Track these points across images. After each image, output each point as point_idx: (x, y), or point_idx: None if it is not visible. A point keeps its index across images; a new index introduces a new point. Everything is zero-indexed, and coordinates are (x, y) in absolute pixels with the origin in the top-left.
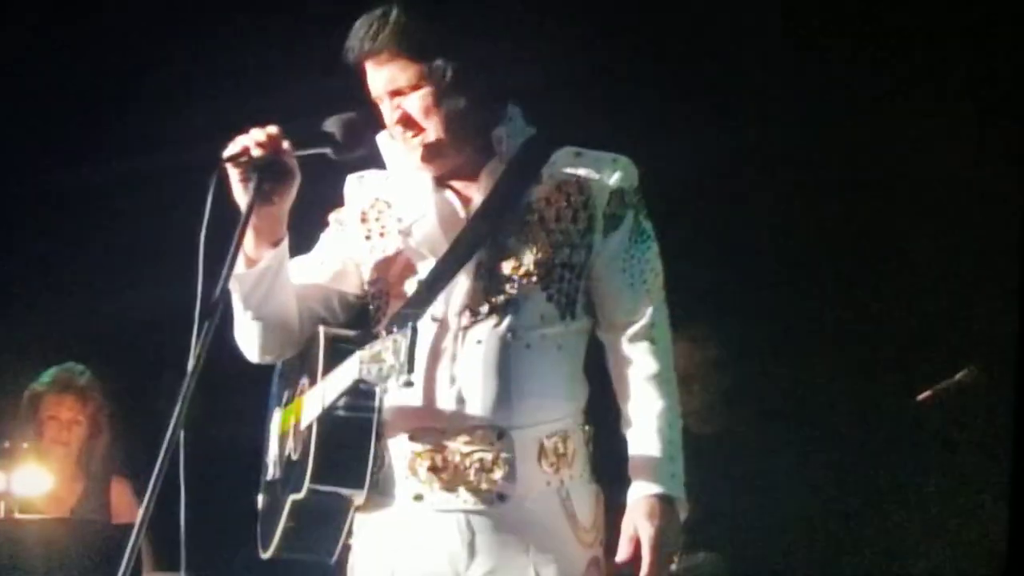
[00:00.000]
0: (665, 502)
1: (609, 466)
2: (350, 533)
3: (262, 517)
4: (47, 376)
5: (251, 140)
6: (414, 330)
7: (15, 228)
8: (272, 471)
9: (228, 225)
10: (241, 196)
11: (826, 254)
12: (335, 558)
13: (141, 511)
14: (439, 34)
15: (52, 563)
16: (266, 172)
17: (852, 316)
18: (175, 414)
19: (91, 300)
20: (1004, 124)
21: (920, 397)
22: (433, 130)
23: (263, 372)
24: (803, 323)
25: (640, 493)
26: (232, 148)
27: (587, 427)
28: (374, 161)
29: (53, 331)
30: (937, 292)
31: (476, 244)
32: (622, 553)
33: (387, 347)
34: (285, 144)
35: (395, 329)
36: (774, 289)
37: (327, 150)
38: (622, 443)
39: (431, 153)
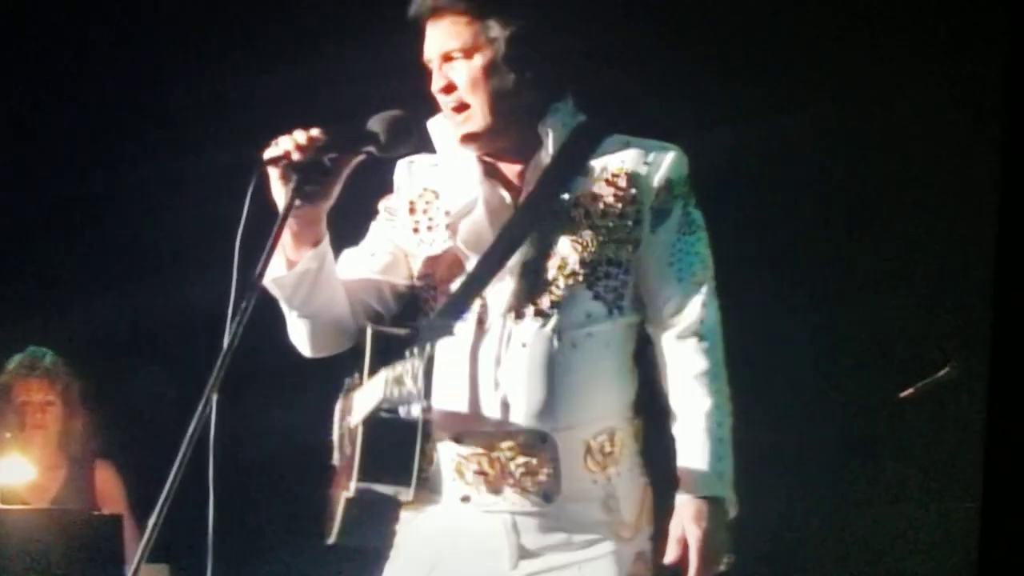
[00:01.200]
0: (713, 503)
1: (660, 455)
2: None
3: (329, 500)
4: (12, 362)
5: (292, 142)
6: (431, 356)
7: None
8: (337, 457)
9: (265, 226)
10: (280, 196)
11: (829, 249)
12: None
13: (155, 513)
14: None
15: (33, 554)
16: (306, 173)
17: (840, 312)
18: (196, 415)
19: (80, 293)
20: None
21: (903, 394)
22: (478, 109)
23: (289, 364)
24: (792, 318)
25: (688, 494)
26: (274, 150)
27: (636, 420)
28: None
29: (17, 321)
30: (915, 288)
31: (519, 241)
32: (670, 555)
33: (407, 370)
34: (324, 146)
35: (427, 343)
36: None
37: (371, 149)
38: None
39: (471, 125)
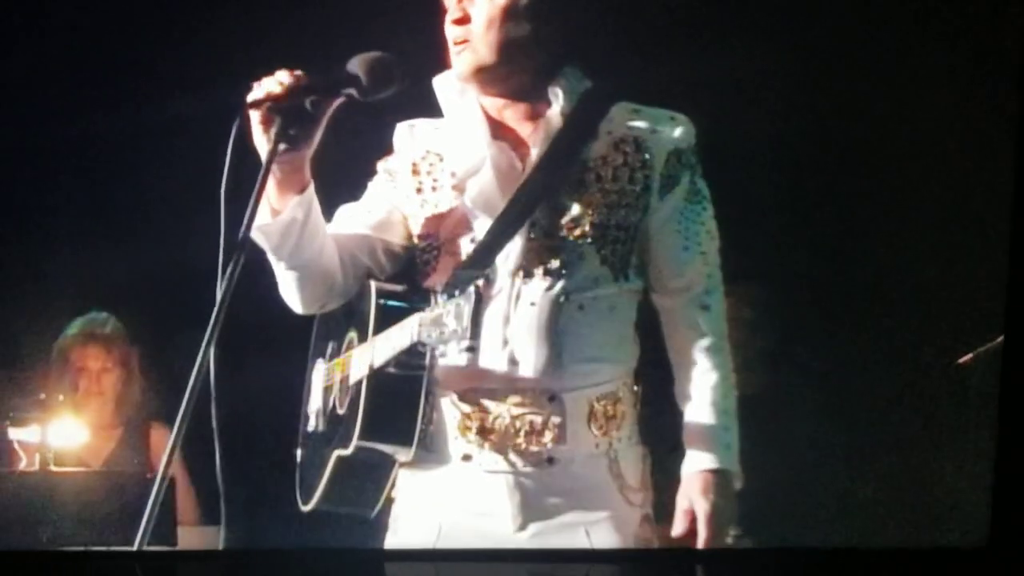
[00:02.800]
0: (719, 475)
1: (658, 427)
2: (392, 488)
3: (302, 468)
4: (72, 328)
5: (275, 83)
6: (478, 295)
7: (36, 182)
8: (314, 423)
9: (253, 173)
10: (262, 141)
11: (869, 217)
12: (376, 512)
13: (163, 463)
14: None
15: (85, 516)
16: (288, 116)
17: (895, 280)
18: (196, 366)
19: (118, 251)
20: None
21: (961, 360)
22: (486, 45)
23: (293, 323)
24: (844, 285)
25: (694, 467)
26: (256, 92)
27: (636, 388)
28: (426, 105)
29: (80, 283)
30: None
31: (533, 203)
32: (678, 527)
33: (448, 311)
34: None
35: (456, 292)
36: (814, 251)
37: (352, 91)
38: (670, 403)
39: (475, 61)
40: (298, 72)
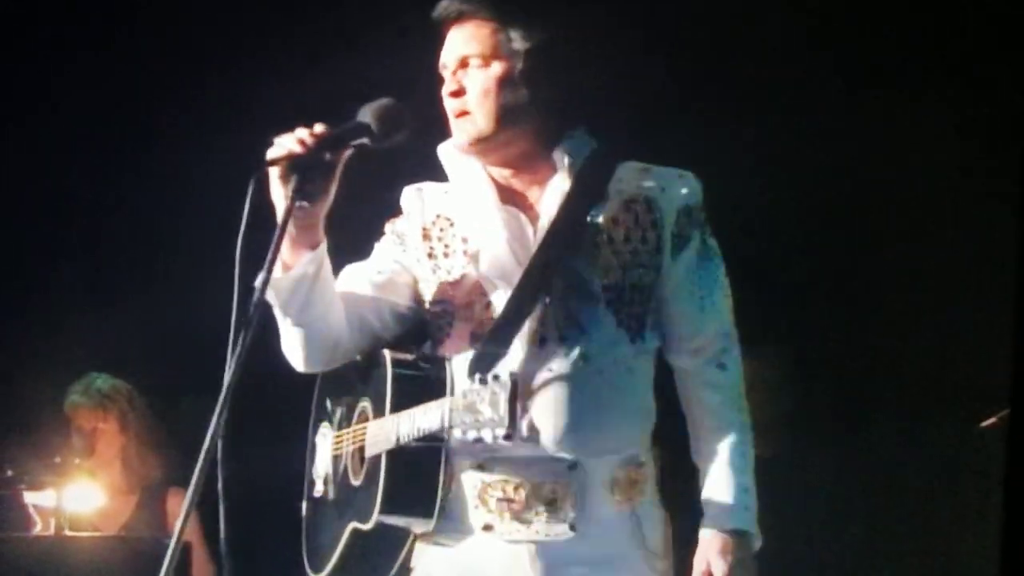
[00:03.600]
0: (738, 536)
1: (676, 486)
2: (408, 558)
3: (309, 532)
4: (72, 388)
5: (294, 139)
6: (515, 383)
7: (51, 242)
8: (322, 489)
9: (263, 231)
10: (279, 196)
11: (890, 280)
12: None
13: (177, 525)
14: (528, 8)
15: None
16: (307, 172)
17: (911, 343)
18: (212, 425)
19: (134, 313)
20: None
21: (984, 424)
22: (483, 115)
23: (297, 381)
24: (863, 347)
25: (713, 528)
26: (276, 150)
27: (656, 450)
28: (432, 168)
29: (91, 346)
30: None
31: (549, 271)
32: None
33: (483, 398)
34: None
35: (483, 373)
36: (835, 311)
37: (364, 140)
38: (689, 463)
39: (473, 130)
40: (317, 127)
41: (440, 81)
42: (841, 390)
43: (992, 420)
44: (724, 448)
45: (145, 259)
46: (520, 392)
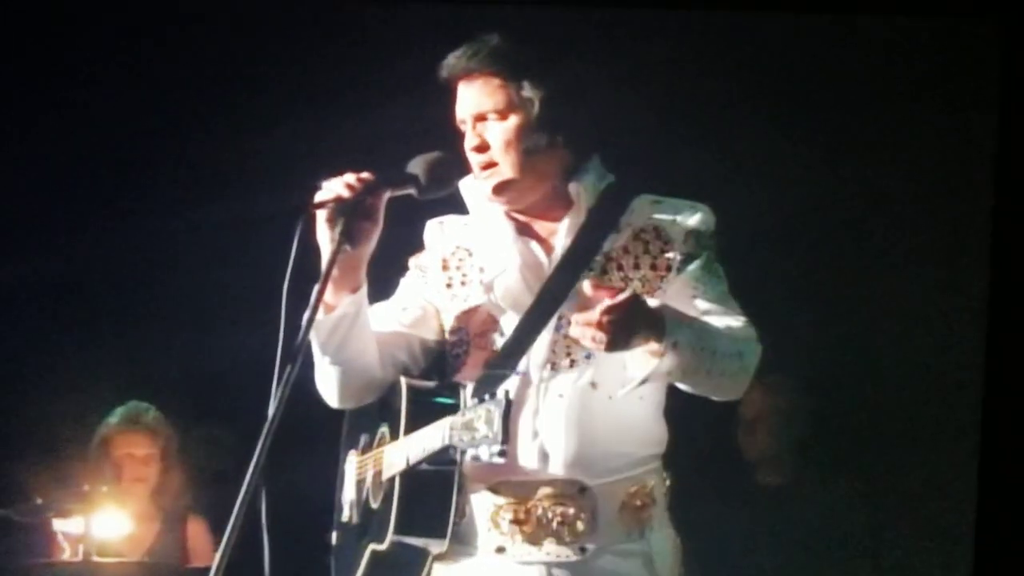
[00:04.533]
0: (660, 322)
1: (687, 512)
2: None
3: (337, 557)
4: (115, 416)
5: (342, 183)
6: (508, 402)
7: (83, 275)
8: (348, 513)
9: (306, 272)
10: (325, 239)
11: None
12: None
13: (218, 556)
14: (532, 63)
15: None
16: (354, 216)
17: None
18: (255, 458)
19: (159, 347)
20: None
21: None
22: (507, 160)
23: (329, 414)
24: (874, 375)
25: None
26: (325, 193)
27: (666, 476)
28: (454, 202)
29: (120, 376)
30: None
31: (559, 299)
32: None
33: (479, 416)
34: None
35: (485, 394)
36: (849, 337)
37: (412, 190)
38: (700, 493)
39: (501, 183)
40: (364, 174)
41: (460, 134)
42: (847, 419)
43: None
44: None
45: (174, 295)
46: (514, 412)
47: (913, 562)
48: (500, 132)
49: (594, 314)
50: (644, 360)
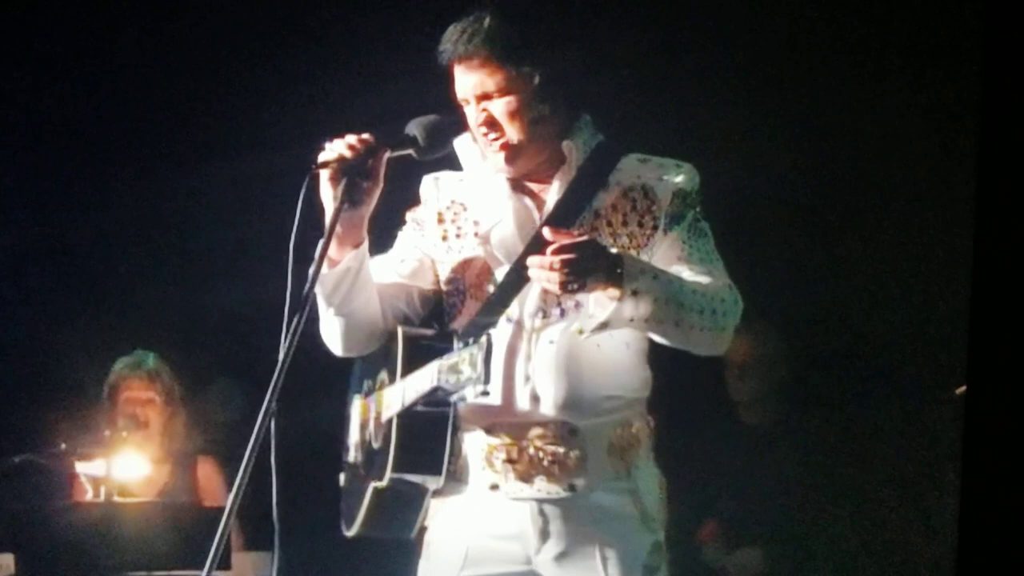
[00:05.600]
0: (619, 265)
1: (671, 451)
2: (426, 516)
3: (344, 496)
4: (119, 363)
5: (344, 144)
6: (489, 343)
7: (100, 230)
8: (353, 454)
9: (310, 228)
10: (328, 197)
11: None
12: (413, 535)
13: (231, 497)
14: (529, 42)
15: (146, 543)
16: (355, 175)
17: (904, 314)
18: (265, 403)
19: (170, 299)
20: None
21: (959, 391)
22: (515, 133)
23: (344, 363)
24: (856, 319)
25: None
26: (328, 153)
27: (650, 418)
28: (450, 161)
29: (135, 327)
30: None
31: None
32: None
33: (464, 359)
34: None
35: (471, 340)
36: (830, 286)
37: (410, 151)
38: (682, 431)
39: (512, 155)
40: (365, 135)
41: (456, 106)
42: (828, 363)
43: (963, 388)
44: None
45: (185, 249)
46: (507, 358)
47: (894, 498)
48: (505, 107)
49: (547, 256)
50: (605, 304)
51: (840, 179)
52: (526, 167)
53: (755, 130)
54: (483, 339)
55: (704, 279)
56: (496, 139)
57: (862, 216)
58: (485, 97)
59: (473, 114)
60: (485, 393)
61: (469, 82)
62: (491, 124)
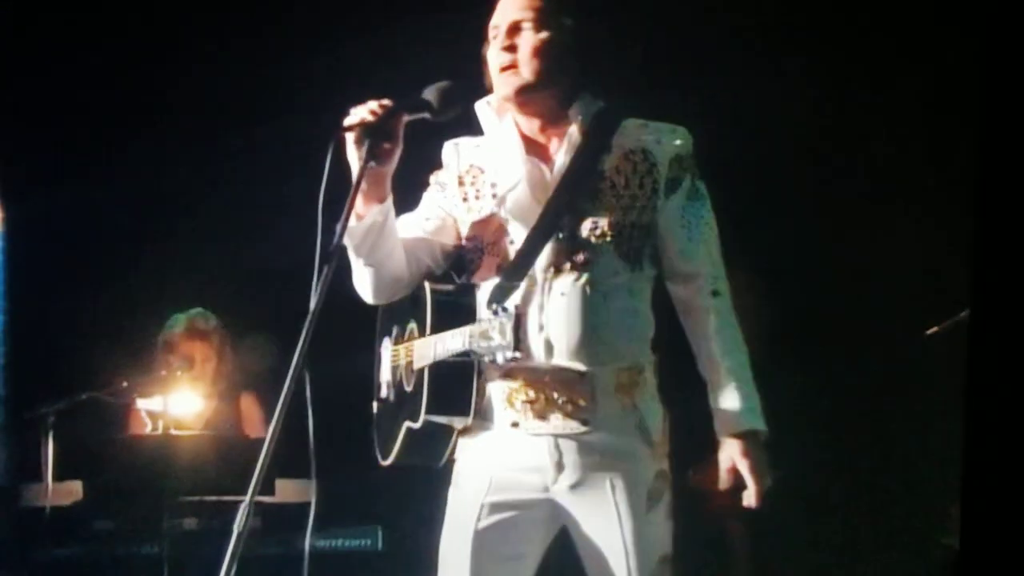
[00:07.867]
0: (753, 435)
1: (673, 386)
2: (454, 451)
3: (378, 428)
4: (178, 325)
5: (367, 109)
6: (518, 315)
7: (156, 201)
8: (386, 392)
9: (338, 186)
10: (354, 158)
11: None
12: (441, 464)
13: (271, 428)
14: None
15: (199, 471)
16: (377, 136)
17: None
18: (300, 345)
19: (226, 254)
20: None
21: (929, 332)
22: (529, 72)
23: (370, 311)
24: (828, 274)
25: (731, 430)
26: (351, 118)
27: (654, 357)
28: (468, 124)
29: (189, 278)
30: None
31: (560, 213)
32: (725, 483)
33: (494, 326)
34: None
35: (497, 303)
36: (800, 244)
37: (426, 114)
38: (682, 367)
39: (520, 90)
40: (385, 100)
41: (485, 38)
42: (812, 310)
43: (935, 328)
44: (727, 363)
45: (229, 213)
46: (522, 309)
47: (879, 431)
48: (531, 40)
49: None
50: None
51: (839, 138)
52: (529, 105)
53: (738, 92)
54: (511, 310)
55: (697, 255)
56: (508, 66)
57: (859, 174)
58: (516, 26)
59: (501, 38)
60: (515, 359)
61: (508, 9)
62: (511, 50)
